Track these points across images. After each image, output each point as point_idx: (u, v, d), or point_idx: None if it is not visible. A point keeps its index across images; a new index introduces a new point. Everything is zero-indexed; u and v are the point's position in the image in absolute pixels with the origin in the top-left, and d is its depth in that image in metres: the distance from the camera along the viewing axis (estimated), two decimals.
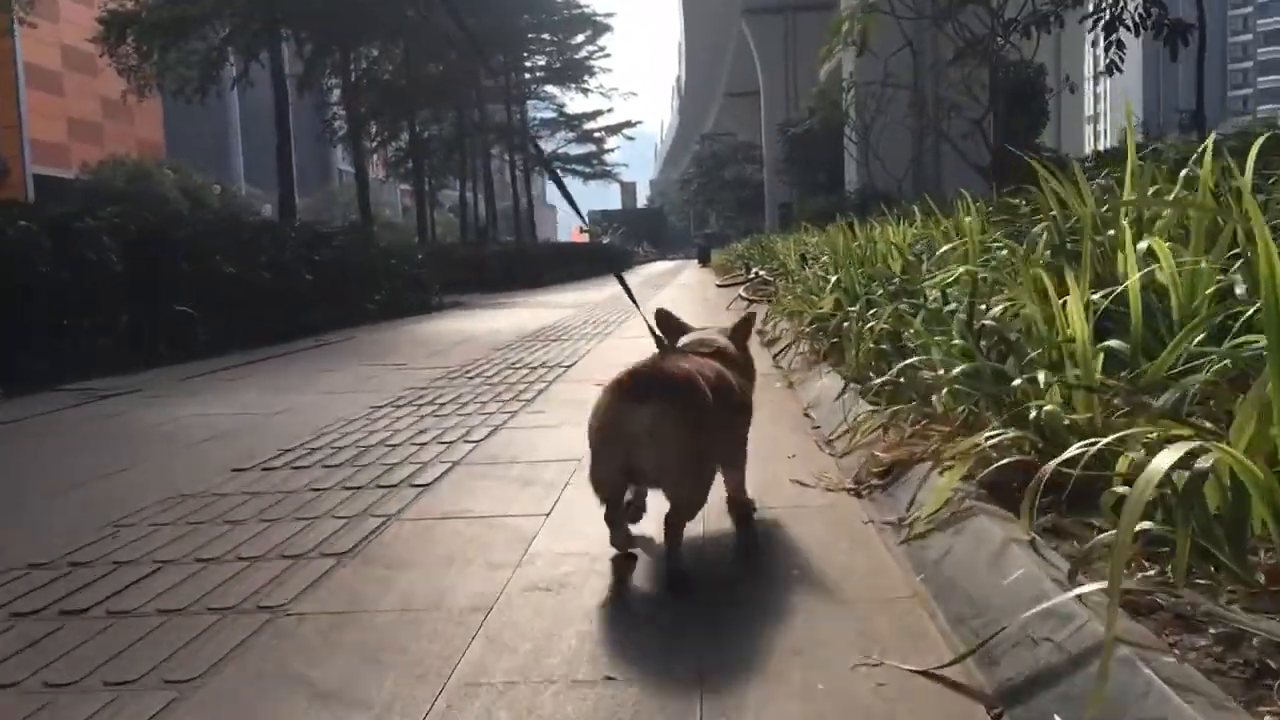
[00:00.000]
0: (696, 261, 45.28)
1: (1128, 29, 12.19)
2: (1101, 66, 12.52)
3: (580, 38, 46.03)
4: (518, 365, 6.70)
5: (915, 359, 3.34)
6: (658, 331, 2.93)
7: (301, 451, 3.90)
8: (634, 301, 3.13)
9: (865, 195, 19.89)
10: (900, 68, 22.16)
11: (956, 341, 3.23)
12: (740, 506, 2.71)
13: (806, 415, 4.37)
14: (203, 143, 59.32)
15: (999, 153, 15.25)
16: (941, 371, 3.03)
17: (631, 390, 2.23)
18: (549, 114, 49.72)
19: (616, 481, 2.27)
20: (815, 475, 3.15)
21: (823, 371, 5.10)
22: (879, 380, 3.53)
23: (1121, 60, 12.36)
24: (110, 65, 24.38)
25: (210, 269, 8.32)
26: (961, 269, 3.98)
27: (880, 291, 4.91)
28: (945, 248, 4.98)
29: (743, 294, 9.77)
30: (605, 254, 39.79)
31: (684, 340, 2.85)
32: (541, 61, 45.05)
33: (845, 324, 4.89)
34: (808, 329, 5.73)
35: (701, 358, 2.56)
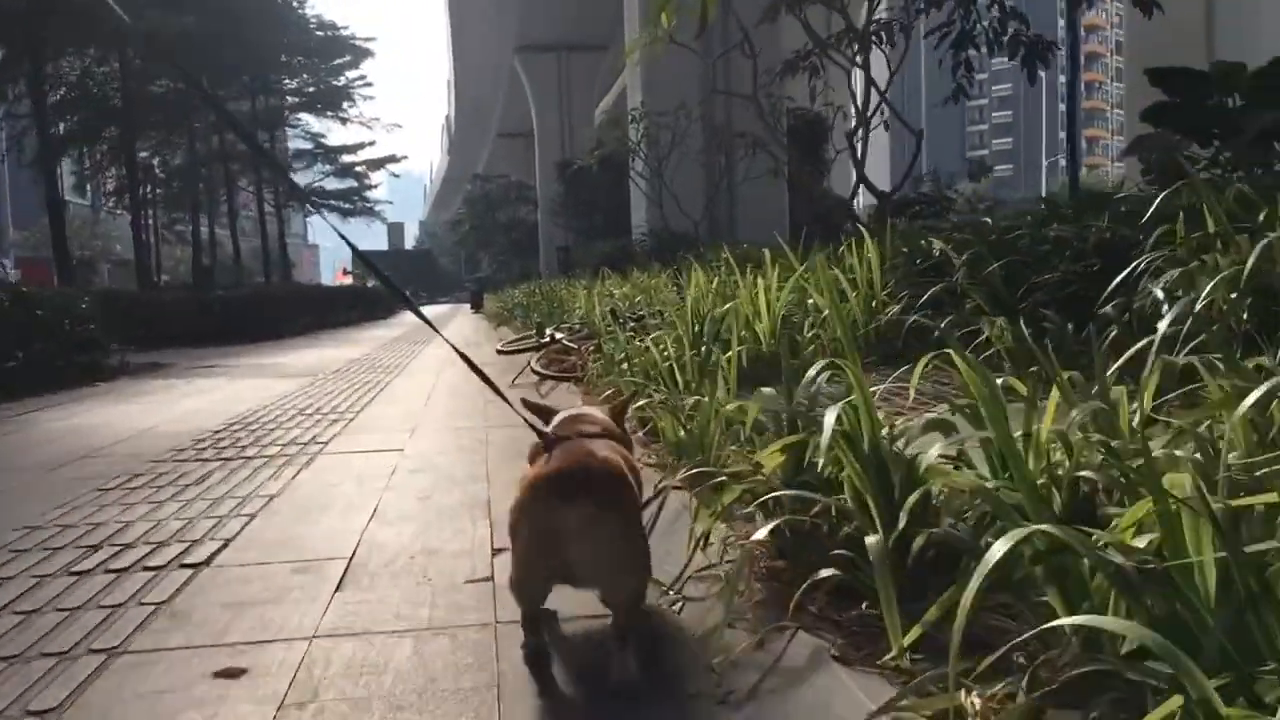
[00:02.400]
0: (469, 306, 42.32)
1: (977, 49, 10.45)
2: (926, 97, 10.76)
3: (339, 62, 42.47)
4: (104, 546, 3.68)
5: None
6: (529, 418, 2.52)
7: None
8: (472, 365, 2.69)
9: (660, 238, 17.69)
10: (692, 99, 20.33)
11: None
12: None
13: None
14: None
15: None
16: None
17: (563, 488, 2.00)
18: (305, 144, 45.60)
19: (547, 588, 2.13)
20: None
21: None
22: None
23: (970, 84, 10.62)
24: None
25: None
26: None
27: None
28: None
29: (535, 367, 7.05)
30: (367, 298, 36.13)
31: (559, 418, 2.53)
32: (294, 85, 41.04)
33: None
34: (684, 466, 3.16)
35: (593, 439, 2.29)
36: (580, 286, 14.26)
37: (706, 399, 3.31)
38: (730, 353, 4.10)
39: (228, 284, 27.73)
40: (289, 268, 44.93)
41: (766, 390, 3.09)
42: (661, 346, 4.98)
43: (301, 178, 44.97)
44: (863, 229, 5.76)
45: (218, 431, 5.80)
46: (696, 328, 5.48)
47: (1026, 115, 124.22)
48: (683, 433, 3.42)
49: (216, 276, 44.78)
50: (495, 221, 57.95)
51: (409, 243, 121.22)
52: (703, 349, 4.66)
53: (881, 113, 15.65)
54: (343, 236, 2.77)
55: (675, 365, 4.47)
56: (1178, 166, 7.10)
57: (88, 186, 35.89)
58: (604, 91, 53.51)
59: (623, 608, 2.06)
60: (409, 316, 37.69)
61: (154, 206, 38.67)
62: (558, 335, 7.58)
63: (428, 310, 48.81)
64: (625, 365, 5.10)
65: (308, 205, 46.41)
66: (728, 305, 5.35)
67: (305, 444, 5.22)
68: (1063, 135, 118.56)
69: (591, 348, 6.95)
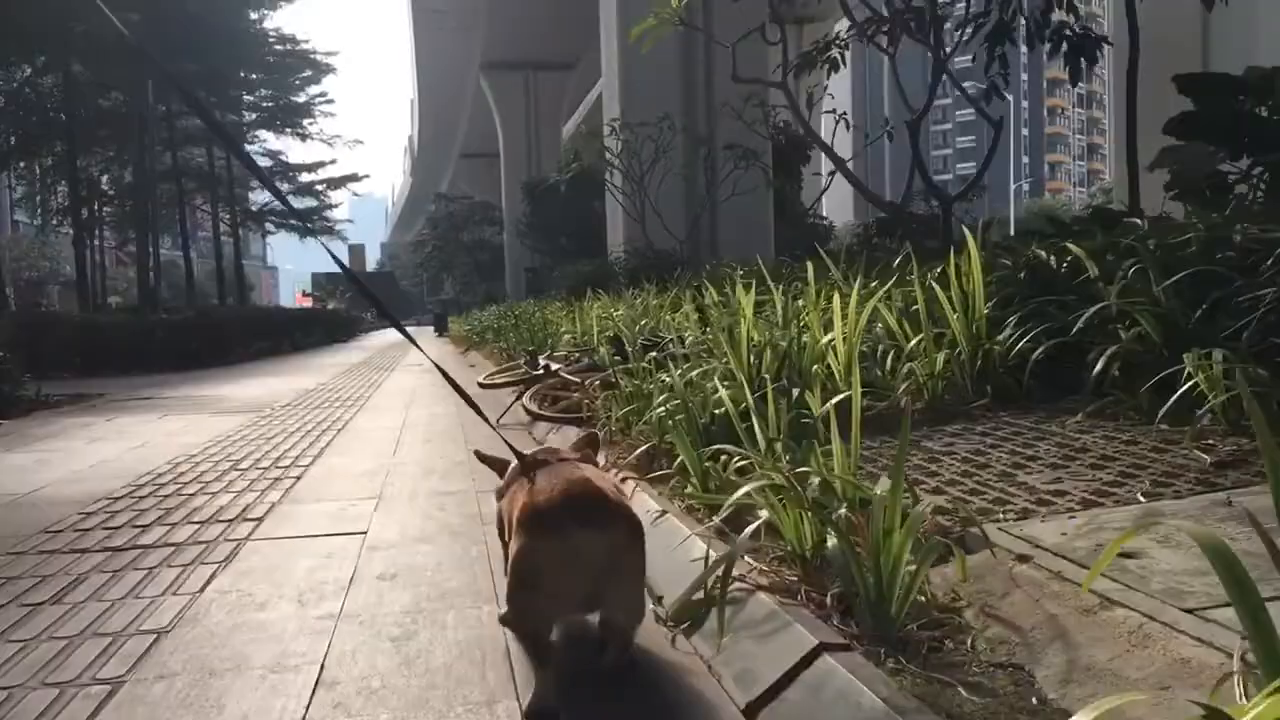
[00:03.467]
0: (433, 330, 40.78)
1: (1013, 43, 9.32)
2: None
3: (300, 78, 41.04)
4: None
5: None
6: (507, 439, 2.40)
7: None
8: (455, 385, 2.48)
9: (644, 257, 16.41)
10: (673, 108, 19.13)
11: None
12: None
13: None
14: None
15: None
16: None
17: (577, 515, 1.95)
18: (264, 161, 43.96)
19: (557, 618, 2.08)
20: None
21: None
22: None
23: (1006, 82, 9.49)
24: None
25: None
26: None
27: None
28: None
29: (528, 405, 5.69)
30: (325, 321, 34.55)
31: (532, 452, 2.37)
32: (252, 99, 39.49)
33: None
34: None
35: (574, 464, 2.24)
36: (561, 308, 12.95)
37: (878, 491, 2.00)
38: (834, 400, 2.83)
39: (176, 306, 26.09)
40: (245, 290, 43.20)
41: None
42: (712, 386, 3.71)
43: (259, 197, 43.40)
44: (968, 233, 4.49)
45: (118, 498, 4.40)
46: (753, 361, 4.21)
47: (990, 141, 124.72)
48: (832, 543, 2.11)
49: (170, 299, 43.00)
50: (459, 242, 56.52)
51: (370, 265, 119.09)
52: (768, 390, 3.38)
53: (886, 123, 14.59)
54: (334, 257, 2.62)
55: (738, 414, 3.19)
56: (1217, 180, 6.13)
57: (37, 205, 33.92)
58: (571, 110, 52.57)
59: (630, 631, 2.10)
60: (371, 340, 36.13)
61: (102, 226, 36.90)
62: (552, 366, 6.25)
63: (390, 334, 47.16)
64: (661, 411, 3.80)
65: (266, 225, 44.30)
66: (793, 333, 4.10)
67: (230, 521, 3.85)
68: (1026, 160, 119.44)
69: (596, 383, 5.65)
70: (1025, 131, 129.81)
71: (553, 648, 2.00)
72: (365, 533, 3.57)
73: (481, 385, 6.64)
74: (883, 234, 10.98)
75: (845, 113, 14.23)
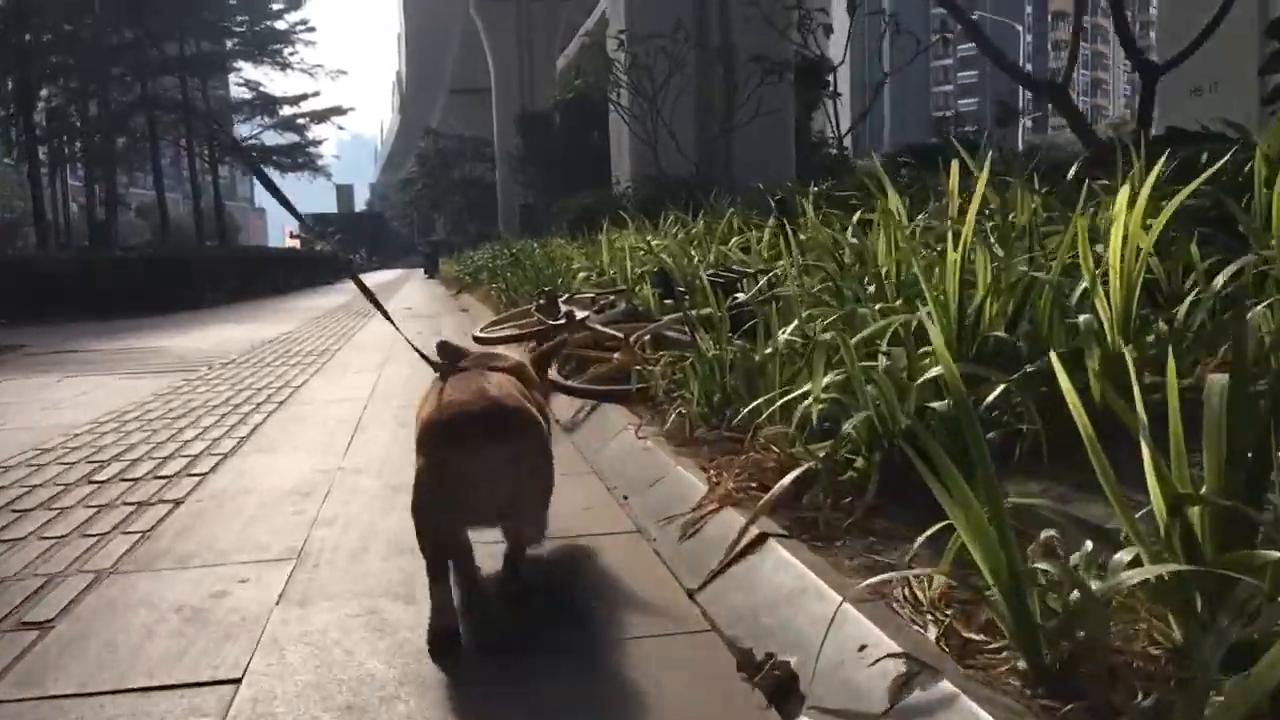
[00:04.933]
0: (423, 272, 38.75)
1: None
2: None
3: (278, 5, 38.68)
4: None
5: None
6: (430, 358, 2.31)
7: None
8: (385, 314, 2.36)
9: (658, 185, 14.45)
10: (685, 15, 17.01)
11: None
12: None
13: None
14: None
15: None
16: None
17: (473, 428, 1.88)
18: (243, 94, 41.67)
19: (463, 533, 2.01)
20: None
21: None
22: None
23: None
24: None
25: None
26: None
27: None
28: None
29: (556, 377, 3.83)
30: (309, 263, 32.51)
31: (469, 359, 2.28)
32: (228, 26, 37.12)
33: None
34: None
35: (500, 374, 2.14)
36: (565, 243, 11.08)
37: None
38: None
39: (135, 246, 24.04)
40: (226, 230, 41.09)
41: None
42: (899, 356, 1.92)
43: (239, 131, 41.15)
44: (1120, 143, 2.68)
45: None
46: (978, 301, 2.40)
47: (993, 75, 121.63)
48: None
49: (143, 239, 40.80)
50: (450, 180, 54.19)
51: (359, 206, 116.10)
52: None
53: (943, 25, 12.60)
54: (282, 199, 2.46)
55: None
56: None
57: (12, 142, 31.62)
58: (566, 43, 50.08)
59: (524, 541, 2.12)
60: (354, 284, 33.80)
61: (67, 162, 34.65)
62: (576, 313, 4.41)
63: (379, 275, 44.99)
64: (820, 398, 2.01)
65: (254, 168, 42.16)
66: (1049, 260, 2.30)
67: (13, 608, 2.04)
68: (1028, 96, 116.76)
69: (646, 338, 3.82)
70: (1028, 66, 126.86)
71: (464, 562, 2.00)
72: (238, 681, 1.72)
73: (478, 339, 4.83)
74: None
75: (895, 13, 12.23)
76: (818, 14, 13.35)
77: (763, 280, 3.77)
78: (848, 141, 12.77)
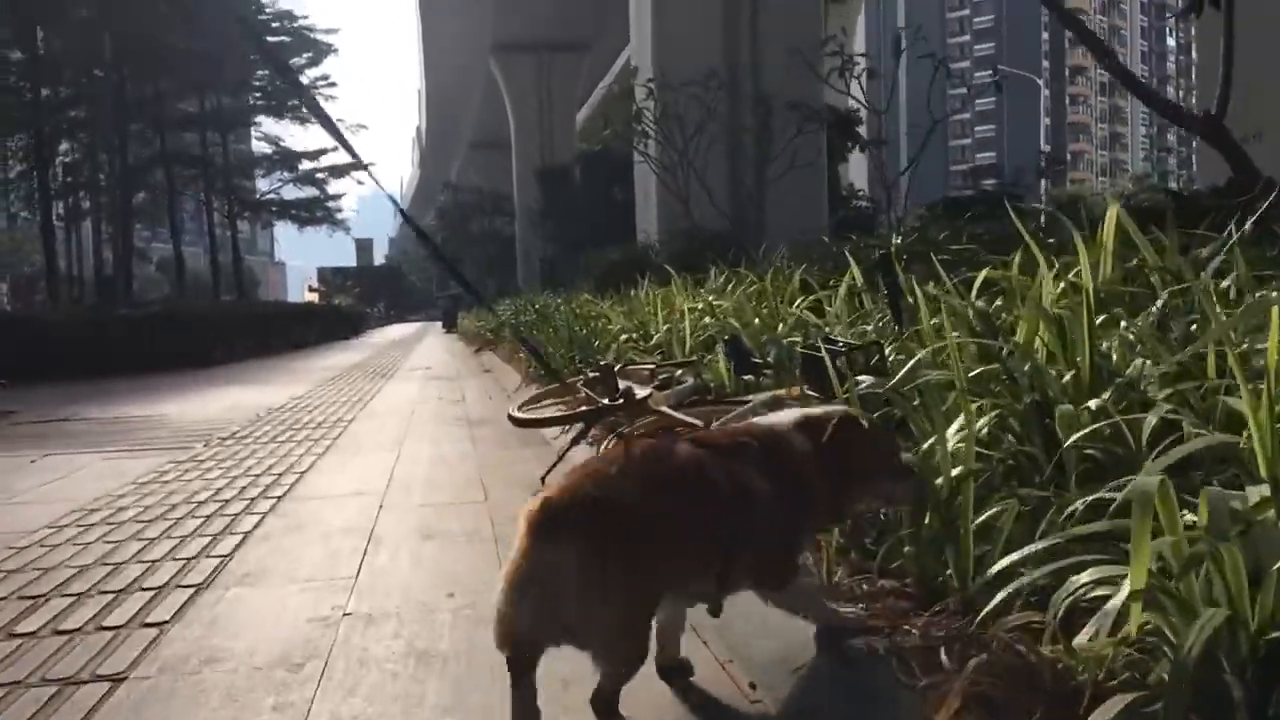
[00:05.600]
0: (441, 325, 38.06)
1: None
2: None
3: (300, 61, 38.57)
4: None
5: None
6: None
7: None
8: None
9: (691, 239, 13.74)
10: (716, 60, 16.40)
11: None
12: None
13: None
14: None
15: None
16: None
17: (538, 518, 1.59)
18: (264, 148, 41.44)
19: (524, 645, 1.67)
20: None
21: None
22: None
23: None
24: None
25: None
26: None
27: None
28: None
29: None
30: (327, 317, 31.91)
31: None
32: (249, 83, 36.92)
33: None
34: None
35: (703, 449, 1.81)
36: (592, 299, 10.33)
37: None
38: None
39: (147, 302, 23.45)
40: (244, 285, 40.67)
41: None
42: None
43: (259, 185, 40.98)
44: None
45: None
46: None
47: (1010, 128, 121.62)
48: None
49: (161, 294, 40.44)
50: (469, 233, 53.80)
51: (378, 260, 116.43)
52: None
53: (994, 70, 11.94)
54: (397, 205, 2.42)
55: None
56: None
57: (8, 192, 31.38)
58: (586, 96, 49.95)
59: (602, 676, 1.67)
60: (374, 337, 33.35)
61: (85, 217, 34.35)
62: (636, 390, 3.60)
63: (396, 329, 44.41)
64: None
65: (265, 215, 41.79)
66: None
67: None
68: (1045, 148, 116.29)
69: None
70: (1046, 120, 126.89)
71: (521, 683, 1.64)
72: None
73: (517, 420, 4.02)
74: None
75: (944, 58, 11.53)
76: (860, 58, 12.69)
77: (885, 353, 2.99)
78: (897, 191, 12.00)
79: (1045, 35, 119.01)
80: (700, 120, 14.05)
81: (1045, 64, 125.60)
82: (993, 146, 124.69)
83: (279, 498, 4.21)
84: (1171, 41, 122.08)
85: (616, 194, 24.38)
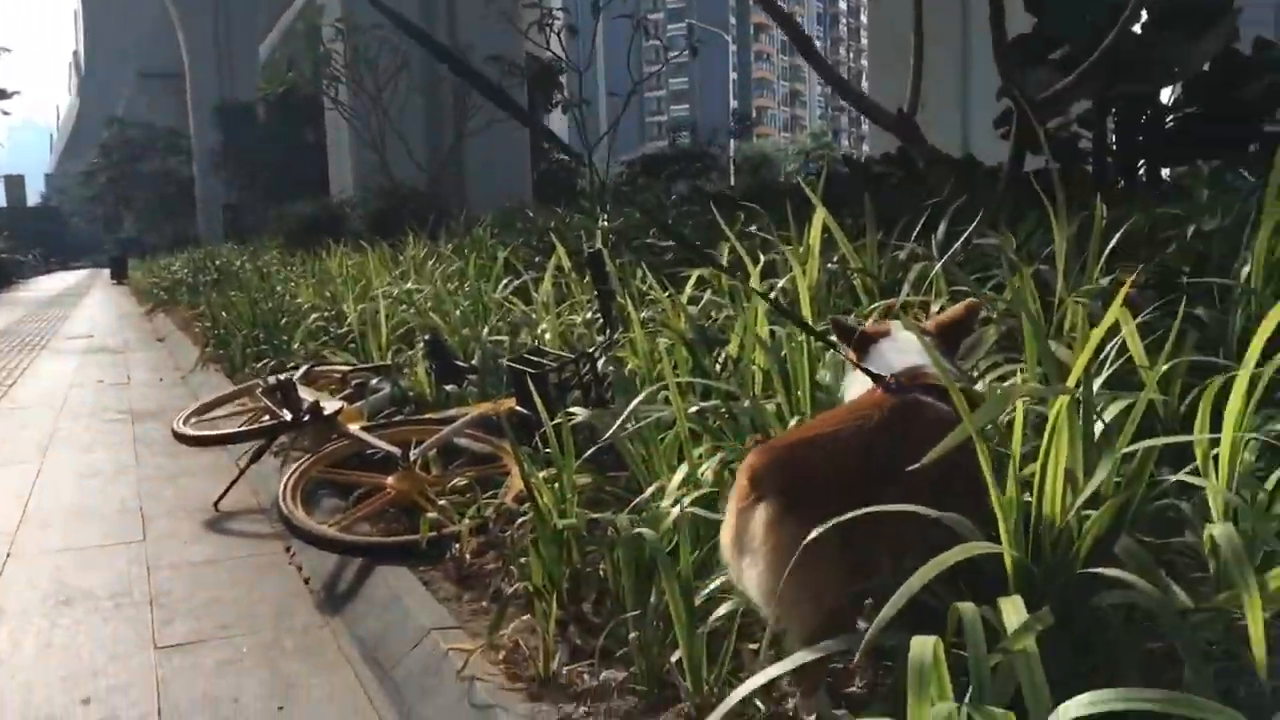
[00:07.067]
0: (109, 275, 34.51)
1: None
2: None
3: None
4: None
5: None
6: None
7: None
8: None
9: (388, 197, 13.06)
10: (410, 7, 15.60)
11: None
12: None
13: None
14: None
15: None
16: None
17: (751, 471, 1.57)
18: None
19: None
20: None
21: None
22: None
23: None
24: None
25: None
26: None
27: None
28: None
29: (300, 518, 2.57)
30: None
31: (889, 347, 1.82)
32: None
33: None
34: None
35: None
36: (279, 259, 9.56)
37: None
38: None
39: None
40: None
41: None
42: None
43: None
44: None
45: None
46: None
47: (702, 83, 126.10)
48: None
49: None
50: (139, 174, 49.04)
51: (32, 199, 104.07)
52: None
53: (692, 32, 12.12)
54: None
55: None
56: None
57: None
58: (271, 25, 46.61)
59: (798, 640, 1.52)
60: (29, 290, 29.40)
61: None
62: (325, 405, 3.15)
63: (58, 278, 39.74)
64: None
65: None
66: None
67: None
68: (735, 104, 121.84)
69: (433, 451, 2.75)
70: (734, 75, 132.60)
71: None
72: None
73: (183, 438, 3.47)
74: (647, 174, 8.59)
75: (643, 17, 11.54)
76: (560, 13, 12.47)
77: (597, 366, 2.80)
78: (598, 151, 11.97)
79: None
80: (394, 67, 13.34)
81: (732, 21, 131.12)
82: (686, 99, 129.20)
83: None
84: (844, 4, 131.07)
85: (308, 136, 22.98)
